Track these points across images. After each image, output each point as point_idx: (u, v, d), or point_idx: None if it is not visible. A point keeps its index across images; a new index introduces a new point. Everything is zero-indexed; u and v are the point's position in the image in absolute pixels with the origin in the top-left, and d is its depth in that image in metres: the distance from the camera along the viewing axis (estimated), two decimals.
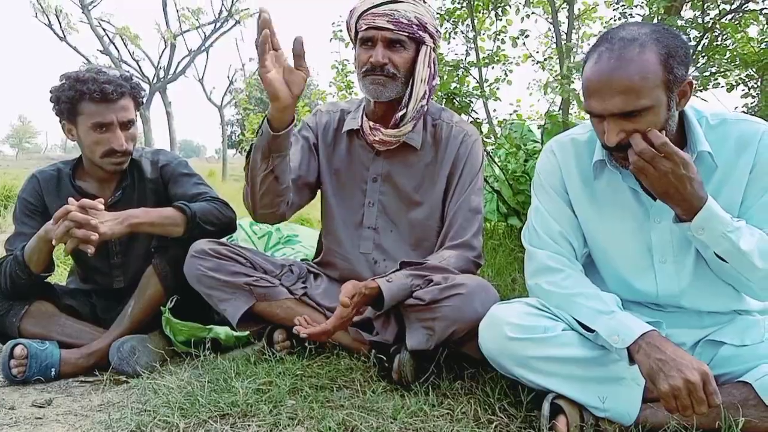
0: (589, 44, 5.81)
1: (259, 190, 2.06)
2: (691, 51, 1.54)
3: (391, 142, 2.20)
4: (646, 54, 1.45)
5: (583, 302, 1.64)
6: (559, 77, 3.38)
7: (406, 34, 2.08)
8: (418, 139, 2.22)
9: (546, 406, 1.62)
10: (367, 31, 2.08)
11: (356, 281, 1.97)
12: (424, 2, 2.16)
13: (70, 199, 2.02)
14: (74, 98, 2.21)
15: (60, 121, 2.31)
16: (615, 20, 5.07)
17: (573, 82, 3.62)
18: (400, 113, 2.15)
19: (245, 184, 2.13)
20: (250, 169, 2.05)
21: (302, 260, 2.55)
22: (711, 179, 1.62)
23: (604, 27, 5.46)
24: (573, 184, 1.80)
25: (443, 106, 3.11)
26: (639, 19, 4.16)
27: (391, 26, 2.06)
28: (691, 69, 1.56)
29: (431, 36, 2.14)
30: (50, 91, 2.28)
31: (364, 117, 2.26)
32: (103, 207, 2.06)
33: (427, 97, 2.18)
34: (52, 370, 2.13)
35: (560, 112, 4.14)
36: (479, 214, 2.21)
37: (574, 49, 5.50)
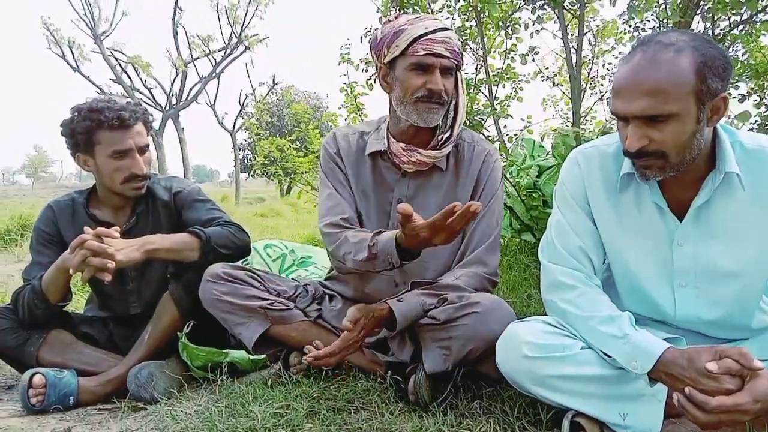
0: (604, 60, 5.82)
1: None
2: (731, 67, 1.49)
3: (426, 164, 2.18)
4: (681, 59, 1.40)
5: (597, 326, 1.60)
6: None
7: (456, 62, 2.10)
8: (444, 161, 2.21)
9: (566, 424, 1.60)
10: (426, 57, 2.04)
11: (363, 305, 1.97)
12: None
13: (86, 228, 2.04)
14: (91, 128, 2.23)
15: (73, 154, 2.33)
16: (626, 33, 5.08)
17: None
18: (444, 135, 2.15)
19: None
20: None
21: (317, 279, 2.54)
22: (740, 203, 1.57)
23: (617, 42, 5.47)
24: (596, 197, 1.75)
25: None
26: (649, 32, 4.16)
27: (448, 54, 2.05)
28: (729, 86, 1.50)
29: (463, 61, 2.16)
30: (61, 125, 2.29)
31: (391, 138, 2.24)
32: (118, 235, 2.07)
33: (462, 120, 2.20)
34: (71, 398, 2.13)
35: (566, 127, 4.12)
36: (496, 232, 2.18)
37: (590, 65, 5.50)
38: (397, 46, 2.07)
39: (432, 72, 2.06)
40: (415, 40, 2.04)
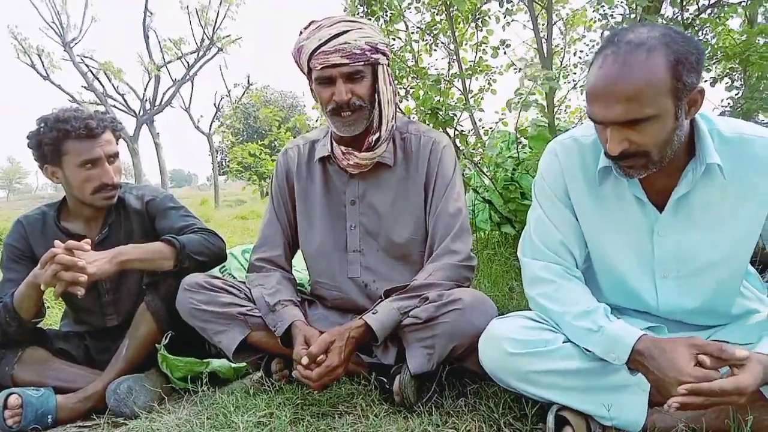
0: (576, 48, 5.82)
1: None
2: (704, 57, 1.47)
3: (366, 165, 2.18)
4: (653, 60, 1.37)
5: (572, 321, 1.61)
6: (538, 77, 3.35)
7: (362, 62, 2.05)
8: (390, 157, 2.20)
9: (551, 419, 1.60)
10: (323, 71, 2.03)
11: (336, 329, 1.96)
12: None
13: (56, 242, 2.00)
14: (58, 139, 2.19)
15: (41, 166, 2.28)
16: (596, 21, 5.09)
17: (559, 87, 3.61)
18: (374, 136, 2.14)
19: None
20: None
21: (298, 284, 2.51)
22: (723, 193, 1.56)
23: (587, 29, 5.47)
24: (576, 189, 1.74)
25: (427, 120, 3.11)
26: (619, 19, 4.17)
27: (345, 60, 2.01)
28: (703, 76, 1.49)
29: (384, 54, 2.11)
30: (28, 137, 2.24)
31: (333, 142, 2.24)
32: (89, 247, 2.03)
33: (395, 115, 2.18)
34: (49, 417, 2.08)
35: (540, 118, 4.12)
36: (459, 217, 2.15)
37: (562, 54, 5.50)
38: (302, 63, 2.10)
39: (334, 83, 2.05)
40: (311, 55, 2.04)
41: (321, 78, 2.06)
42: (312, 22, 2.13)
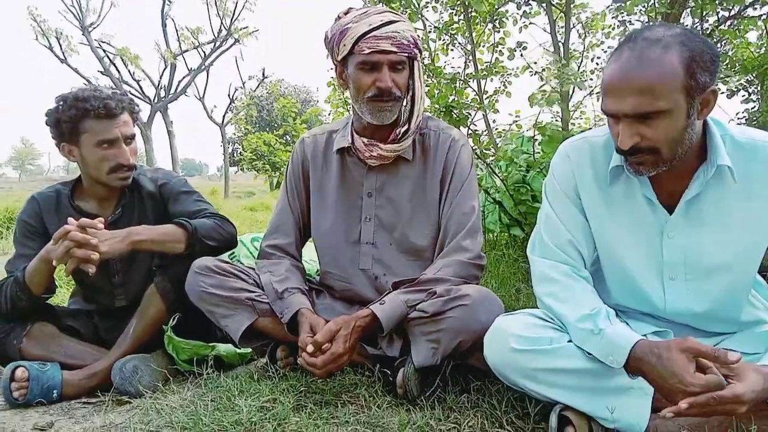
0: (594, 54, 5.81)
1: None
2: (719, 59, 1.49)
3: (389, 157, 2.19)
4: (669, 55, 1.39)
5: (574, 323, 1.61)
6: (555, 82, 3.36)
7: (407, 54, 2.07)
8: (410, 151, 2.21)
9: (554, 418, 1.60)
10: (371, 55, 2.02)
11: (342, 317, 1.97)
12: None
13: (70, 219, 2.02)
14: (76, 117, 2.20)
15: (58, 144, 2.30)
16: (615, 28, 5.09)
17: (570, 88, 3.60)
18: (402, 129, 2.15)
19: None
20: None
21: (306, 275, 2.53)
22: (733, 197, 1.56)
23: (606, 36, 5.46)
24: (586, 189, 1.75)
25: (441, 118, 3.13)
26: (638, 26, 4.16)
27: (395, 49, 2.03)
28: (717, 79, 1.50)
29: (420, 50, 2.14)
30: (47, 114, 2.27)
31: (355, 134, 2.25)
32: (102, 226, 2.05)
33: (423, 110, 2.20)
34: (54, 392, 2.10)
35: (556, 121, 4.12)
36: (473, 216, 2.16)
37: (580, 59, 5.49)
38: (344, 45, 2.06)
39: (380, 69, 2.05)
40: (359, 38, 2.02)
41: (367, 62, 2.04)
42: (351, 8, 2.14)
